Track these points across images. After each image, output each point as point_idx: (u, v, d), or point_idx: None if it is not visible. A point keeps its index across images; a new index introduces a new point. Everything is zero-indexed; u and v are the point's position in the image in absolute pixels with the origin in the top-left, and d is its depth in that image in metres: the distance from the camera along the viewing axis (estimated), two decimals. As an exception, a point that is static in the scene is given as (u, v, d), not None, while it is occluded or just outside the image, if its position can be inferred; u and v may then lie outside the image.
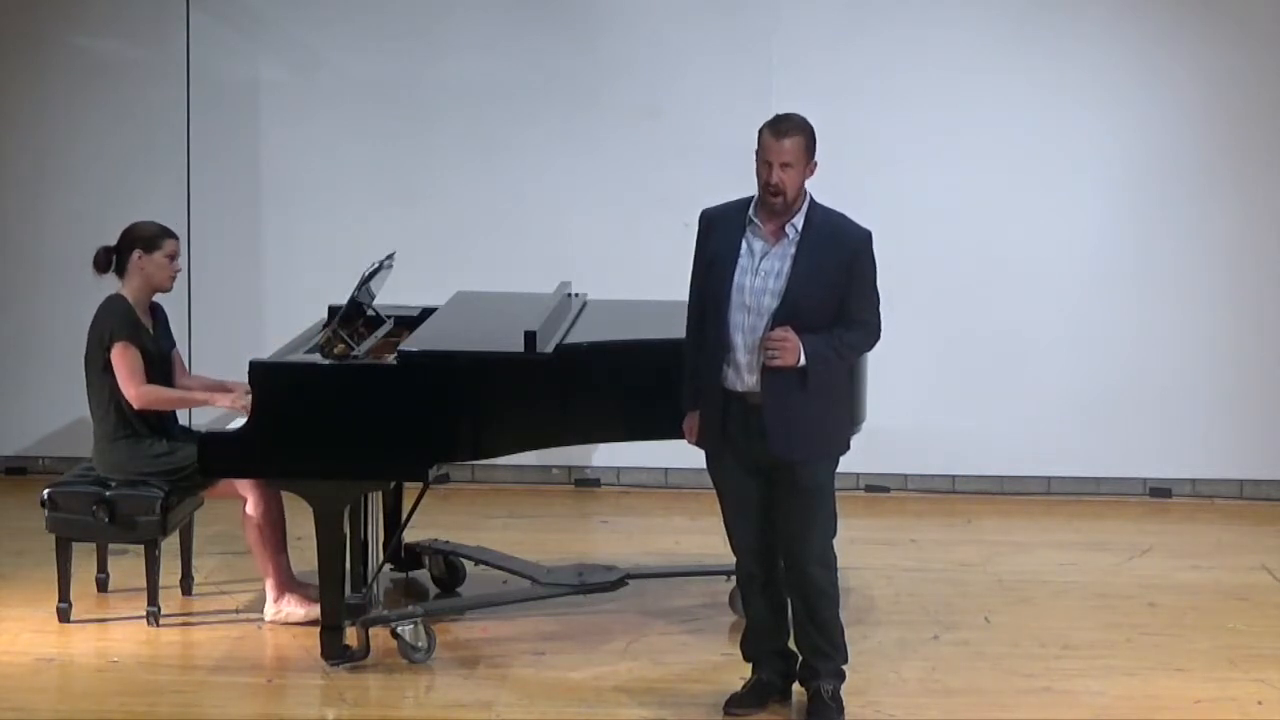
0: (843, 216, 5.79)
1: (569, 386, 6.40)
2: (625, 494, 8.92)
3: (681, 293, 7.98)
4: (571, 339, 6.54)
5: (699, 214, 5.93)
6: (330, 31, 8.85)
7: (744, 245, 5.74)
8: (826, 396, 5.76)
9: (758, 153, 5.72)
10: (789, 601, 6.01)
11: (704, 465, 8.73)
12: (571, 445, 7.63)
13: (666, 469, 8.90)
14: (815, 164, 5.74)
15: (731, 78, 8.75)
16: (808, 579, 5.87)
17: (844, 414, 5.97)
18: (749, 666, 6.18)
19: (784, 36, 8.75)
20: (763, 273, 5.71)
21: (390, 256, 7.03)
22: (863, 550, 7.72)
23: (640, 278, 8.47)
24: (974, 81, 8.71)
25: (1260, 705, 6.18)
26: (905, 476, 8.92)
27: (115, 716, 5.99)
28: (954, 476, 8.82)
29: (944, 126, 8.66)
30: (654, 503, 8.77)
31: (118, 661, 6.46)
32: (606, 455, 8.84)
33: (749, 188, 8.82)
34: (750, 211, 5.77)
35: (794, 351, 5.62)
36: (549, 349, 6.34)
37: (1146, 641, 6.80)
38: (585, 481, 9.02)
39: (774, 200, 5.68)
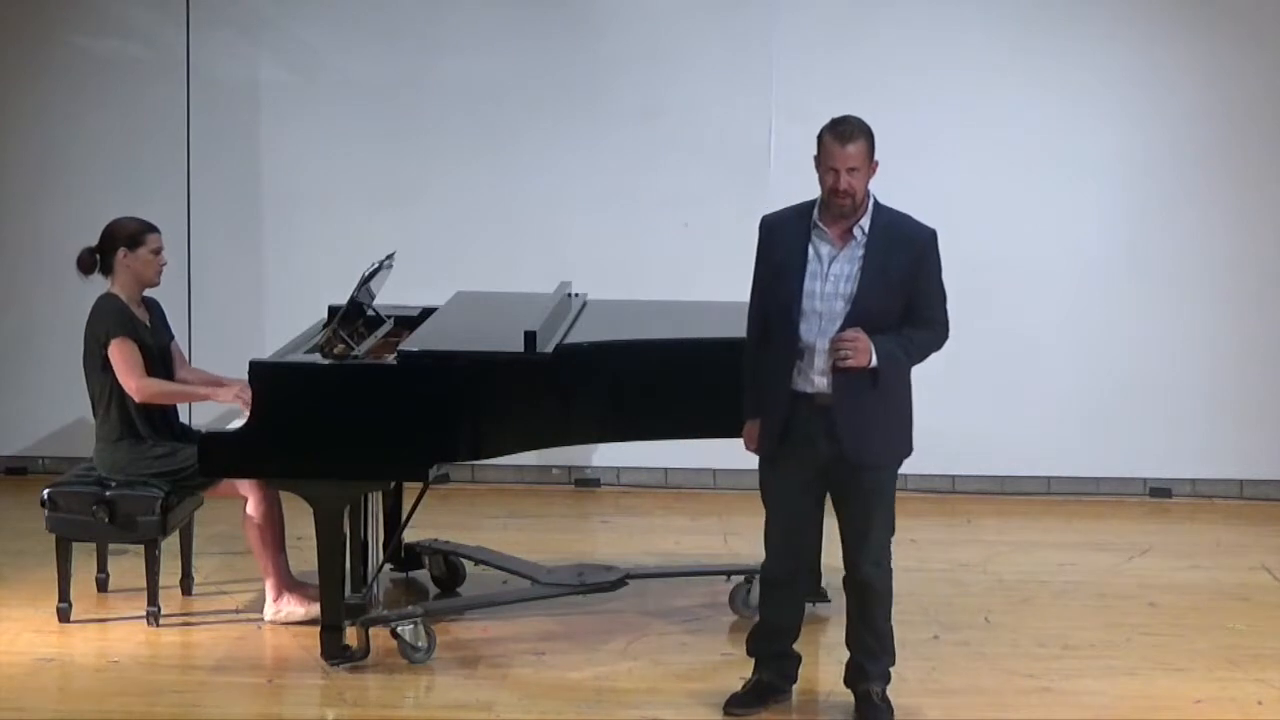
0: (907, 216, 5.77)
1: (569, 386, 6.40)
2: (625, 494, 8.92)
3: (681, 292, 8.02)
4: (571, 339, 6.54)
5: (759, 221, 5.87)
6: (330, 31, 8.85)
7: (811, 250, 5.70)
8: (895, 398, 5.77)
9: (819, 159, 5.67)
10: (806, 606, 6.06)
11: (703, 465, 8.84)
12: (572, 445, 7.63)
13: (666, 469, 8.91)
14: (877, 163, 5.71)
15: (731, 78, 8.75)
16: (864, 580, 5.87)
17: (909, 415, 5.93)
18: (749, 666, 6.18)
19: (784, 36, 8.75)
20: (832, 277, 5.68)
21: (390, 256, 7.03)
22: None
23: (640, 278, 8.49)
24: (974, 82, 8.71)
25: (1260, 705, 6.19)
26: (905, 476, 8.79)
27: (115, 716, 5.99)
28: (954, 476, 8.82)
29: (944, 127, 8.66)
30: (654, 503, 8.77)
31: (118, 661, 6.46)
32: (606, 455, 8.85)
33: (749, 187, 8.88)
34: (815, 216, 5.74)
35: (865, 352, 5.61)
36: (549, 349, 6.33)
37: (1146, 641, 6.80)
38: (585, 481, 9.02)
39: (842, 205, 5.65)
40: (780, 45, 8.75)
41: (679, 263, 8.73)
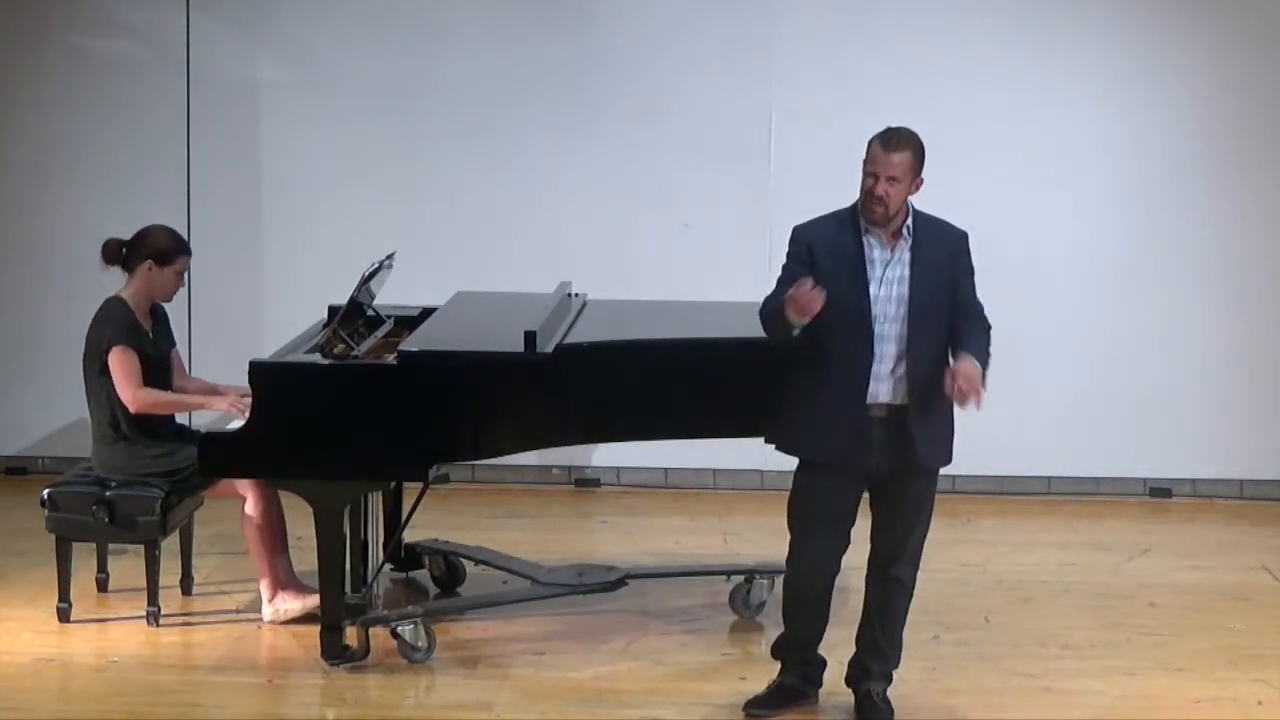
0: (941, 219, 5.81)
1: (569, 386, 6.39)
2: (625, 494, 8.92)
3: (681, 293, 8.01)
4: (571, 339, 6.54)
5: (793, 231, 5.78)
6: (330, 31, 8.85)
7: (864, 256, 5.66)
8: (948, 400, 5.78)
9: (865, 162, 5.67)
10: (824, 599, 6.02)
11: (703, 465, 8.84)
12: (572, 445, 7.62)
13: (666, 469, 8.91)
14: (922, 181, 5.70)
15: (732, 78, 8.75)
16: (896, 579, 5.92)
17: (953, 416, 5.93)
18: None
19: (784, 36, 8.75)
20: (888, 280, 5.67)
21: (390, 256, 7.03)
22: (863, 550, 7.69)
23: (640, 278, 8.49)
24: (973, 83, 8.71)
25: (1260, 705, 6.18)
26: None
27: (115, 716, 5.99)
28: (954, 476, 8.78)
29: (943, 127, 8.60)
30: (654, 503, 8.77)
31: (118, 661, 6.46)
32: (606, 455, 8.84)
33: (749, 188, 8.88)
34: (864, 222, 5.70)
35: (977, 380, 5.65)
36: (549, 349, 6.33)
37: (1146, 641, 6.80)
38: (585, 481, 9.01)
39: (874, 211, 5.63)
40: (780, 46, 8.75)
41: (679, 263, 8.73)
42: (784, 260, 5.79)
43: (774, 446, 5.97)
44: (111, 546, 7.09)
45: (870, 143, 5.68)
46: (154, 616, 6.77)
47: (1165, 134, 8.75)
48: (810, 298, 5.48)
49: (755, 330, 6.43)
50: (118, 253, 6.80)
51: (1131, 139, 8.77)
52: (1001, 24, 8.74)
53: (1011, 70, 8.73)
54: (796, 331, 5.58)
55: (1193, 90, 8.73)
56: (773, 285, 5.80)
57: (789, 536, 5.90)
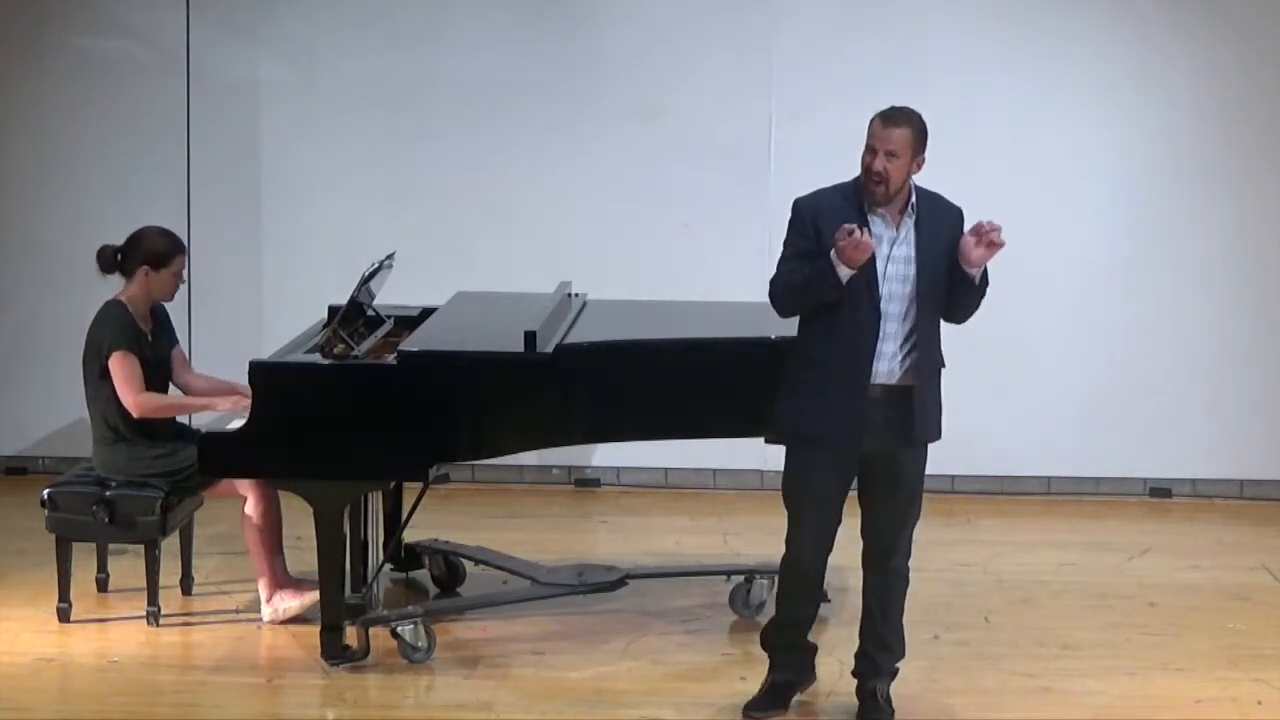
0: (938, 195, 5.81)
1: (569, 386, 6.39)
2: (625, 494, 8.92)
3: (681, 292, 8.02)
4: (571, 339, 6.54)
5: (795, 205, 5.74)
6: (330, 31, 8.85)
7: (871, 234, 5.60)
8: (939, 378, 5.82)
9: (867, 140, 5.66)
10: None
11: (703, 465, 8.84)
12: (572, 445, 7.62)
13: (666, 469, 8.91)
14: (923, 160, 5.69)
15: (732, 79, 8.75)
16: (895, 571, 5.91)
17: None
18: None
19: (784, 36, 8.75)
20: (895, 259, 5.66)
21: (390, 256, 7.03)
22: (856, 550, 7.70)
23: (640, 278, 8.49)
24: (973, 84, 8.70)
25: (1260, 705, 6.18)
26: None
27: (115, 716, 5.99)
28: (954, 476, 8.80)
29: (943, 126, 8.61)
30: (654, 503, 8.77)
31: (118, 661, 6.46)
32: (606, 455, 8.84)
33: (749, 187, 8.88)
34: (868, 201, 5.67)
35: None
36: (549, 349, 6.33)
37: (1146, 641, 6.80)
38: (585, 481, 9.01)
39: (875, 188, 5.62)
40: (780, 46, 8.75)
41: (679, 263, 8.73)
42: (785, 234, 5.75)
43: (770, 436, 5.99)
44: (111, 546, 7.09)
45: (871, 120, 5.69)
46: (154, 616, 6.77)
47: (1166, 133, 8.75)
48: (861, 243, 5.49)
49: (755, 330, 6.46)
50: (113, 260, 6.78)
51: (1132, 138, 8.77)
52: (1002, 23, 8.74)
53: (1012, 69, 8.73)
54: (844, 280, 5.54)
55: (1195, 88, 8.72)
56: (773, 269, 5.78)
57: (787, 516, 5.86)
